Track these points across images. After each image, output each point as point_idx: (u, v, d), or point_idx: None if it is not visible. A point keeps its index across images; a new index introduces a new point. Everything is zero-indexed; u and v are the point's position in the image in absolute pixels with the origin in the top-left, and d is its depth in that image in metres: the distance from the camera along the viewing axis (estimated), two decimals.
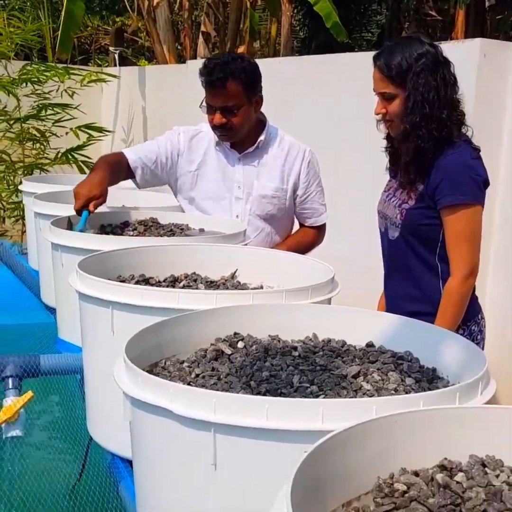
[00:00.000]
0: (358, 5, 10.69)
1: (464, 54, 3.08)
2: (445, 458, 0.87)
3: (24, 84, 5.85)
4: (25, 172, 5.63)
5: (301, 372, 1.19)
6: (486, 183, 1.96)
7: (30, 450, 1.90)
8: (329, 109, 3.98)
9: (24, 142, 5.86)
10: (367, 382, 1.15)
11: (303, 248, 2.40)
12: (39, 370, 1.81)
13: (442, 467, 0.87)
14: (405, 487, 0.84)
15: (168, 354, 1.31)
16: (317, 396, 1.10)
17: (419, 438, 0.88)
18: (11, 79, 5.79)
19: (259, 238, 2.40)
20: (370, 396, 1.10)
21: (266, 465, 0.97)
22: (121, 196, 2.57)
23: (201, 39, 7.99)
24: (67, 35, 6.68)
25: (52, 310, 2.37)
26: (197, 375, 1.21)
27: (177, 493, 1.05)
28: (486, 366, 1.05)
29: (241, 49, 7.92)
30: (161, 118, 5.91)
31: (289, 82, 4.25)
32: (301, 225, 2.54)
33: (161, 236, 2.13)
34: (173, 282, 1.75)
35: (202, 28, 8.07)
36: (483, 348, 2.05)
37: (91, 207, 2.10)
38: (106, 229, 2.23)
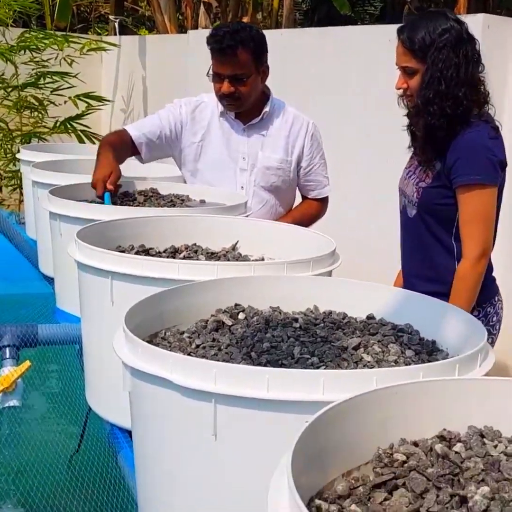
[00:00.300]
0: None
1: None
2: (444, 429, 0.88)
3: (22, 52, 5.77)
4: (23, 140, 5.58)
5: (302, 344, 1.19)
6: (503, 164, 1.92)
7: (28, 421, 1.91)
8: (330, 82, 3.94)
9: (22, 110, 5.80)
10: (368, 354, 1.15)
11: (307, 220, 2.40)
12: (37, 340, 1.81)
13: (441, 438, 0.87)
14: (404, 457, 0.85)
15: (168, 325, 1.31)
16: (317, 368, 1.11)
17: (419, 409, 0.89)
18: (9, 46, 5.72)
19: (263, 210, 2.39)
20: (371, 368, 1.10)
21: (266, 436, 0.97)
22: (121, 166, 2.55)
23: (202, 9, 7.87)
24: (66, 2, 6.58)
25: (50, 280, 2.36)
26: (198, 346, 1.21)
27: (177, 463, 1.06)
28: (485, 339, 1.05)
29: (244, 20, 7.82)
30: (161, 88, 5.85)
31: (291, 54, 4.21)
32: (304, 197, 2.54)
33: (161, 206, 2.12)
34: (173, 253, 1.74)
35: None
36: (499, 330, 2.04)
37: (108, 186, 2.09)
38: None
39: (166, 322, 1.31)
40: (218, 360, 1.12)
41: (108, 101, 6.15)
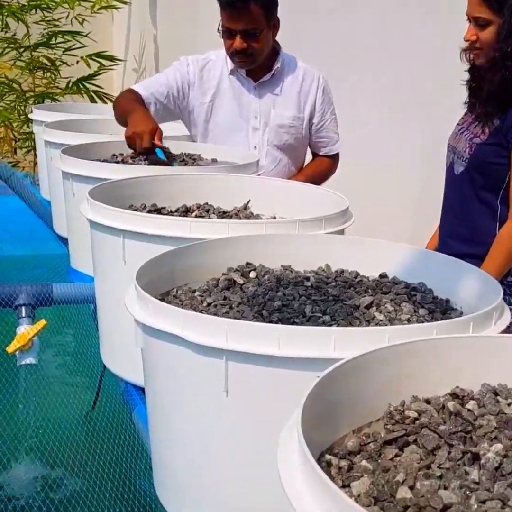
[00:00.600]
0: None
1: None
2: (457, 387, 0.87)
3: (33, 11, 5.71)
4: (36, 101, 5.55)
5: (314, 302, 1.18)
6: None
7: (45, 378, 1.94)
8: (342, 34, 3.84)
9: (34, 71, 5.77)
10: (380, 313, 1.14)
11: (320, 178, 2.37)
12: (52, 299, 1.82)
13: (453, 395, 0.86)
14: (416, 414, 0.84)
15: (179, 283, 1.31)
16: (329, 326, 1.10)
17: (431, 367, 0.88)
18: (20, 5, 5.66)
19: (276, 170, 2.36)
20: (383, 326, 1.09)
21: (277, 393, 0.97)
22: None
23: None
24: None
25: (64, 241, 2.37)
26: (209, 304, 1.20)
27: (189, 419, 1.06)
28: (500, 297, 1.04)
29: None
30: (173, 46, 5.77)
31: (300, 7, 4.09)
32: (315, 155, 2.51)
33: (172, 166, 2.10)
34: (185, 212, 1.73)
35: None
36: None
37: (157, 142, 2.05)
38: (117, 158, 2.21)
39: (178, 281, 1.30)
40: (230, 318, 1.12)
41: (120, 60, 6.08)
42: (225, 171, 1.89)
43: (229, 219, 1.66)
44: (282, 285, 1.26)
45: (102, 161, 2.09)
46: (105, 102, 5.38)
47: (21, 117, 5.64)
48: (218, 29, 2.26)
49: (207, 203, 1.76)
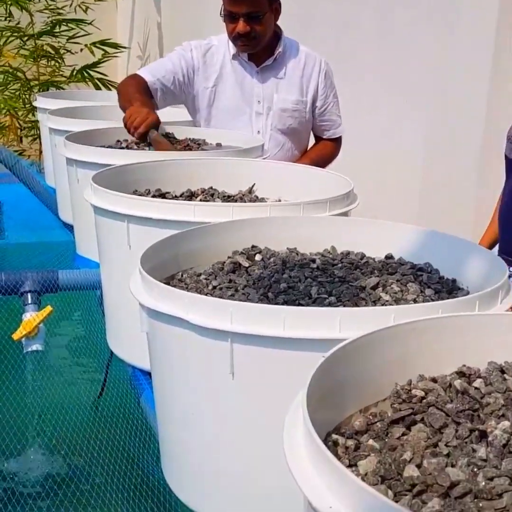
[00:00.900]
0: None
1: None
2: (464, 365, 0.86)
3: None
4: (41, 90, 5.54)
5: (320, 284, 1.18)
6: None
7: (53, 365, 1.94)
8: (346, 18, 3.80)
9: (39, 59, 5.75)
10: (386, 293, 1.14)
11: (324, 161, 2.37)
12: (58, 286, 1.82)
13: (460, 374, 0.86)
14: (423, 393, 0.84)
15: (185, 267, 1.30)
16: (335, 307, 1.09)
17: (438, 346, 0.87)
18: None
19: (280, 154, 2.36)
20: (390, 306, 1.08)
21: (283, 374, 0.97)
22: None
23: None
24: None
25: (69, 227, 2.37)
26: (214, 287, 1.20)
27: (195, 402, 1.06)
28: (506, 276, 1.03)
29: None
30: (177, 33, 5.74)
31: None
32: (319, 138, 2.50)
33: (177, 151, 2.09)
34: (189, 197, 1.72)
35: None
36: None
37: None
38: (121, 144, 2.20)
39: (183, 265, 1.30)
40: (235, 301, 1.12)
41: (124, 48, 6.06)
42: (229, 156, 1.88)
43: (234, 203, 1.65)
44: (287, 268, 1.25)
45: (107, 147, 2.08)
46: (110, 89, 5.36)
47: (26, 105, 5.64)
48: (220, 13, 2.24)
49: (211, 188, 1.75)
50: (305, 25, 3.62)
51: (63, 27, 5.73)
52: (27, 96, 5.67)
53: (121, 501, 1.47)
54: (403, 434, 0.80)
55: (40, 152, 5.44)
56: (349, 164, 2.56)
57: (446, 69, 2.70)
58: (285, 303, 1.11)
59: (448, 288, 1.16)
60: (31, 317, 1.72)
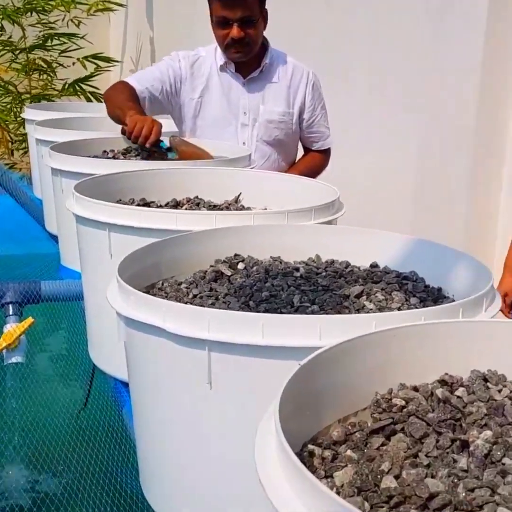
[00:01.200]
0: None
1: None
2: (446, 373, 0.84)
3: (29, 13, 5.70)
4: (32, 103, 5.53)
5: (302, 292, 1.15)
6: None
7: (35, 377, 1.90)
8: (336, 27, 3.80)
9: (31, 73, 5.75)
10: (370, 302, 1.11)
11: (311, 173, 2.35)
12: (40, 296, 1.79)
13: (442, 382, 0.83)
14: (403, 402, 0.81)
15: (166, 276, 1.27)
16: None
17: (419, 353, 0.85)
18: (16, 8, 5.64)
19: (266, 165, 2.35)
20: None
21: (262, 383, 0.94)
22: None
23: None
24: None
25: (56, 239, 2.34)
26: (195, 296, 1.17)
27: (172, 413, 1.03)
28: (491, 283, 1.01)
29: None
30: (169, 47, 5.75)
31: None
32: (307, 150, 2.49)
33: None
34: (175, 206, 1.70)
35: None
36: None
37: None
38: (108, 154, 2.18)
39: (164, 273, 1.27)
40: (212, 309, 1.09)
41: (117, 61, 6.06)
42: (215, 166, 1.86)
43: (218, 211, 1.63)
44: (270, 276, 1.23)
45: (92, 157, 2.06)
46: (101, 102, 5.35)
47: (18, 119, 5.62)
48: (212, 20, 2.23)
49: (197, 197, 1.73)
50: (295, 35, 3.62)
51: (55, 41, 5.73)
52: (19, 109, 5.66)
53: None
54: (382, 444, 0.77)
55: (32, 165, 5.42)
56: (340, 174, 2.55)
57: (437, 78, 2.69)
58: (267, 311, 1.08)
59: (433, 297, 1.14)
60: (12, 329, 1.69)
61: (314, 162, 2.46)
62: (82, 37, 5.71)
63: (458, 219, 2.60)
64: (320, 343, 0.90)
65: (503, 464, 0.71)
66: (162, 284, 1.24)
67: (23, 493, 1.61)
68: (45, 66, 5.76)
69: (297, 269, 1.26)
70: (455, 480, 0.68)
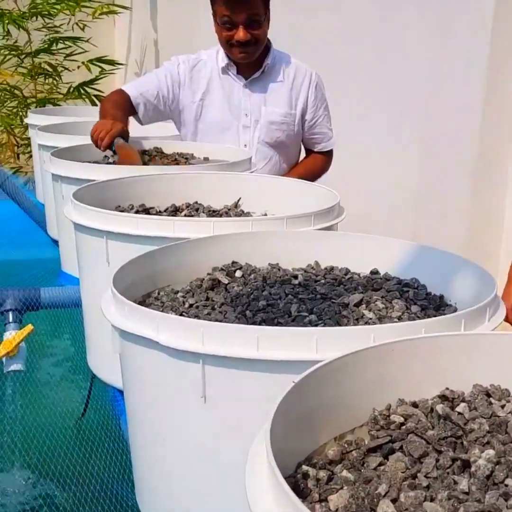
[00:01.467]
0: None
1: None
2: (447, 388, 0.81)
3: (34, 18, 5.69)
4: (38, 107, 5.53)
5: (300, 301, 1.12)
6: None
7: (33, 385, 1.88)
8: (338, 27, 3.76)
9: (36, 77, 5.74)
10: (370, 310, 1.08)
11: (313, 175, 2.32)
12: (40, 303, 1.77)
13: (443, 398, 0.80)
14: (402, 419, 0.78)
15: (162, 285, 1.25)
16: (316, 326, 1.04)
17: (419, 367, 0.82)
18: (21, 12, 5.64)
19: (267, 167, 2.32)
20: (372, 325, 1.03)
21: (258, 398, 0.91)
22: None
23: None
24: None
25: (58, 244, 2.32)
26: (191, 305, 1.15)
27: (166, 426, 1.00)
28: (495, 292, 0.98)
29: None
30: (173, 50, 5.74)
31: (295, 1, 4.01)
32: (310, 151, 2.46)
33: (164, 165, 2.05)
34: (174, 212, 1.67)
35: None
36: None
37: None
38: (109, 160, 2.16)
39: (160, 282, 1.24)
40: (211, 320, 1.06)
41: (121, 64, 6.06)
42: (216, 170, 1.84)
43: (215, 217, 1.60)
44: (268, 284, 1.20)
45: (93, 163, 2.03)
46: None
47: (23, 123, 5.62)
48: (216, 21, 2.20)
49: (196, 202, 1.71)
50: (298, 36, 3.59)
51: (61, 45, 5.73)
52: (24, 113, 5.65)
53: None
54: (380, 464, 0.74)
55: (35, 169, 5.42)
56: (342, 177, 2.52)
57: (441, 79, 2.66)
58: (263, 321, 1.06)
59: (435, 305, 1.11)
60: (11, 337, 1.67)
61: (315, 164, 2.43)
62: (87, 41, 5.71)
63: (462, 226, 2.56)
64: (316, 356, 0.87)
65: (506, 485, 0.68)
66: (159, 293, 1.22)
67: (20, 499, 1.59)
68: (50, 70, 5.77)
69: (296, 277, 1.23)
70: (456, 504, 0.65)
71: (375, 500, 0.66)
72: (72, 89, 5.71)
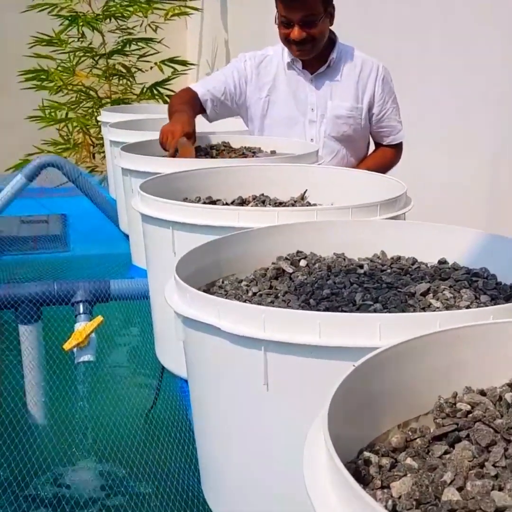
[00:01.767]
0: None
1: None
2: None
3: (108, 20, 5.83)
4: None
5: (365, 290, 1.10)
6: None
7: (104, 376, 1.92)
8: (402, 22, 3.69)
9: (110, 78, 5.87)
10: (437, 300, 1.05)
11: (382, 168, 2.28)
12: (109, 295, 1.80)
13: None
14: (469, 407, 0.75)
15: (226, 274, 1.25)
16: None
17: (487, 354, 0.79)
18: (95, 15, 5.78)
19: (334, 161, 2.30)
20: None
21: (320, 385, 0.89)
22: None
23: None
24: None
25: (129, 238, 2.36)
26: (254, 294, 1.14)
27: (230, 413, 1.00)
28: None
29: None
30: (244, 49, 5.76)
31: None
32: (379, 144, 2.43)
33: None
34: (241, 204, 1.67)
35: None
36: None
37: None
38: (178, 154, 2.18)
39: (224, 271, 1.25)
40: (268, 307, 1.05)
41: (193, 65, 6.13)
42: (283, 162, 1.83)
43: (280, 207, 1.59)
44: (333, 273, 1.18)
45: (162, 157, 2.06)
46: None
47: (98, 123, 5.76)
48: (275, 21, 2.21)
49: (263, 194, 1.70)
50: (366, 30, 3.54)
51: (134, 46, 5.84)
52: (99, 114, 5.79)
53: None
54: (445, 453, 0.72)
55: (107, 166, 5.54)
56: (414, 167, 2.46)
57: None
58: (327, 310, 1.04)
59: (505, 295, 1.07)
60: (82, 328, 1.70)
61: (384, 157, 2.40)
62: (159, 42, 5.81)
63: None
64: (380, 343, 0.85)
65: None
66: (223, 282, 1.22)
67: (92, 493, 1.62)
68: (124, 71, 5.88)
69: (361, 266, 1.21)
70: None
71: (440, 487, 0.64)
72: (145, 89, 5.81)
